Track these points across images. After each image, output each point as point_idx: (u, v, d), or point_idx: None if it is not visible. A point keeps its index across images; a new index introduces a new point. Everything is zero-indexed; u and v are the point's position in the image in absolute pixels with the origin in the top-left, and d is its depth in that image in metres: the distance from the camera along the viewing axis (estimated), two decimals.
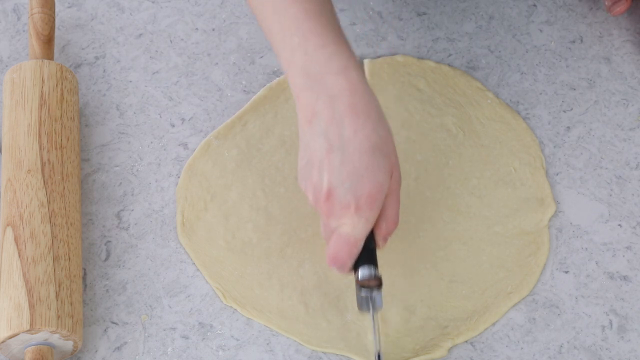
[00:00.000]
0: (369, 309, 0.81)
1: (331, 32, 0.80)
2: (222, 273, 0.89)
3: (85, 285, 0.88)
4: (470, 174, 0.94)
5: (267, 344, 0.86)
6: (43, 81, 0.91)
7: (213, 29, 1.04)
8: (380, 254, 0.90)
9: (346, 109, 0.76)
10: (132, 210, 0.93)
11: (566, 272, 0.89)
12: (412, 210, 0.92)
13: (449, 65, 1.02)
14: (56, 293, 0.80)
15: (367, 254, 0.79)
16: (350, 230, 0.77)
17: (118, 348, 0.85)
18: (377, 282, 0.79)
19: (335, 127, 0.76)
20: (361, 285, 0.79)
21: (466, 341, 0.86)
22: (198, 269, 0.89)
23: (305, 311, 0.87)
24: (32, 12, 0.96)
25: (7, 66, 1.01)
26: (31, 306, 0.79)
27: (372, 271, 0.79)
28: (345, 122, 0.76)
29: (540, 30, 1.05)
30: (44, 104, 0.90)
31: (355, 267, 0.79)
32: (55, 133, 0.89)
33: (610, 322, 0.87)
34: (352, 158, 0.75)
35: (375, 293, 0.79)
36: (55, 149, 0.88)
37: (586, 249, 0.91)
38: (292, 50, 0.79)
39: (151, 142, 0.97)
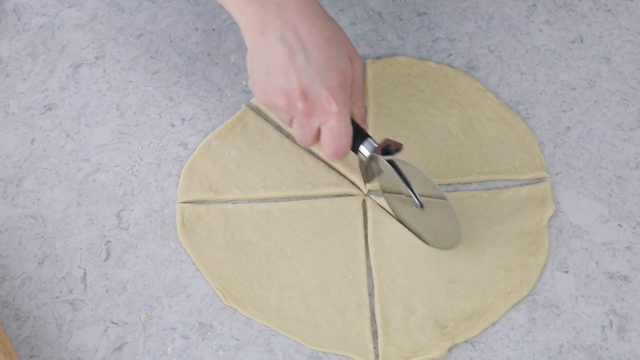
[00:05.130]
0: (391, 171, 0.85)
1: None
2: (222, 273, 0.89)
3: (85, 285, 0.88)
4: (471, 175, 0.94)
5: (267, 344, 0.86)
6: None
7: (213, 29, 1.04)
8: (380, 254, 0.90)
9: (294, 12, 0.79)
10: (132, 210, 0.93)
11: (566, 272, 0.89)
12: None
13: (449, 65, 1.02)
14: None
15: (356, 130, 0.85)
16: (338, 121, 0.81)
17: (118, 348, 0.85)
18: (398, 145, 0.85)
19: (290, 31, 0.79)
20: (384, 152, 0.85)
21: (466, 341, 0.86)
22: (198, 269, 0.89)
23: (305, 311, 0.87)
24: None
25: (7, 66, 1.01)
26: None
27: (374, 142, 0.85)
28: (298, 25, 0.79)
29: (540, 30, 1.05)
30: None
31: (355, 147, 0.85)
32: None
33: (610, 322, 0.87)
34: (314, 54, 0.79)
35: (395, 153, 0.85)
36: None
37: (586, 249, 0.91)
38: None
39: (151, 142, 0.97)
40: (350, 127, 0.83)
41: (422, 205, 0.86)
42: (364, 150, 0.86)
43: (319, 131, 0.83)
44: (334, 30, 0.82)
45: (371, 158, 0.86)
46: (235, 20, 0.82)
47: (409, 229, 0.91)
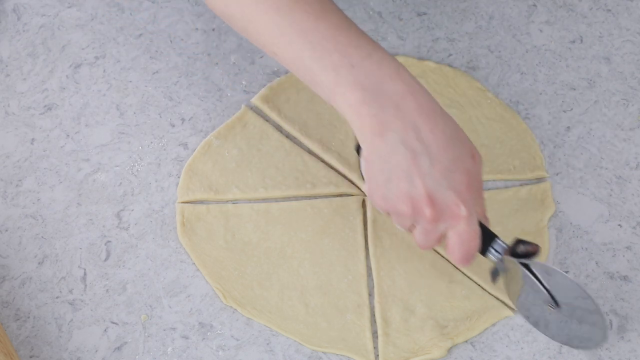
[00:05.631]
0: (522, 275, 0.79)
1: (366, 40, 0.77)
2: (222, 273, 0.89)
3: (85, 285, 0.88)
4: None
5: (267, 344, 0.86)
6: None
7: (213, 29, 1.04)
8: (380, 254, 0.90)
9: (414, 112, 0.74)
10: (132, 210, 0.93)
11: (566, 272, 0.89)
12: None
13: (449, 65, 1.02)
14: None
15: (484, 232, 0.79)
16: (467, 225, 0.76)
17: (118, 348, 0.85)
18: (534, 247, 0.79)
19: (412, 132, 0.74)
20: (514, 254, 0.79)
21: (466, 341, 0.86)
22: (198, 269, 0.89)
23: (305, 311, 0.87)
24: None
25: (7, 66, 1.01)
26: None
27: (503, 243, 0.80)
28: (419, 125, 0.74)
29: (540, 30, 1.05)
30: None
31: (483, 249, 0.80)
32: None
33: (610, 322, 0.87)
34: (438, 156, 0.74)
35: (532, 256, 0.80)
36: None
37: (586, 249, 0.91)
38: (335, 68, 0.75)
39: (151, 142, 0.97)
40: (479, 230, 0.77)
41: (557, 304, 0.80)
42: (494, 253, 0.80)
43: (442, 234, 0.78)
44: (454, 128, 0.76)
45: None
46: (346, 119, 0.76)
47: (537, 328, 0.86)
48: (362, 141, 0.76)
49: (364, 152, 0.76)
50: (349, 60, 0.75)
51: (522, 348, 0.86)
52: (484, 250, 0.80)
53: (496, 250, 0.80)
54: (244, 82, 1.01)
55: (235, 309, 0.87)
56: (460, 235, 0.76)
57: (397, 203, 0.76)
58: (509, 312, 0.87)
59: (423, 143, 0.74)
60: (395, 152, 0.74)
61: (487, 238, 0.79)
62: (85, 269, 0.89)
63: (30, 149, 0.96)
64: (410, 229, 0.79)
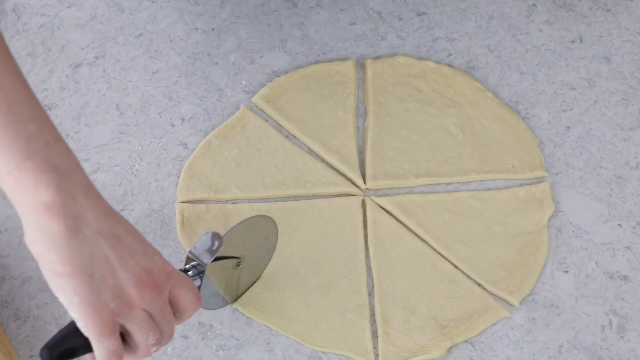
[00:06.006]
0: None
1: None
2: None
3: None
4: (470, 174, 0.94)
5: (267, 344, 0.86)
6: None
7: (213, 29, 1.04)
8: (381, 254, 0.90)
9: None
10: (132, 210, 0.93)
11: (566, 272, 0.89)
12: (412, 210, 0.92)
13: (449, 65, 1.02)
14: None
15: None
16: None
17: None
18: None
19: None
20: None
21: (466, 341, 0.86)
22: None
23: (306, 311, 0.87)
24: None
25: None
26: None
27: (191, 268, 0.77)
28: None
29: (540, 30, 1.05)
30: None
31: None
32: None
33: (610, 322, 0.87)
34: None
35: None
36: None
37: (586, 249, 0.91)
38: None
39: (151, 142, 0.97)
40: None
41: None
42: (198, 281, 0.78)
43: None
44: None
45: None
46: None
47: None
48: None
49: None
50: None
51: (522, 348, 0.86)
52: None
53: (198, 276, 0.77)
54: (244, 82, 1.01)
55: (235, 309, 0.87)
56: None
57: (123, 290, 0.66)
58: (508, 313, 0.87)
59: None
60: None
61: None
62: None
63: None
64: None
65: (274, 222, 0.85)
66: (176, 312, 0.69)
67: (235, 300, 0.87)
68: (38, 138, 0.63)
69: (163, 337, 0.68)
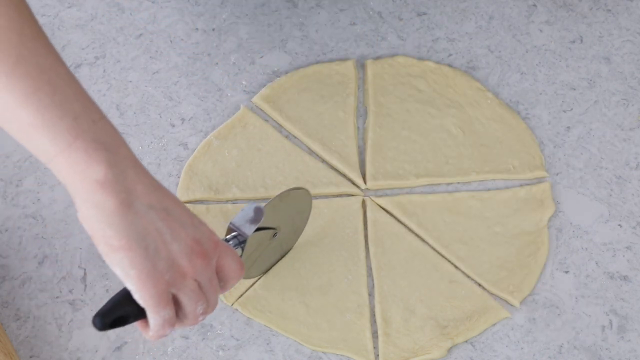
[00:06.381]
0: None
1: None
2: None
3: (85, 285, 0.88)
4: (470, 174, 0.94)
5: (267, 344, 0.86)
6: None
7: (213, 29, 1.04)
8: (381, 254, 0.90)
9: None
10: None
11: (566, 272, 0.89)
12: (412, 210, 0.92)
13: (449, 65, 1.02)
14: None
15: None
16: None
17: (118, 348, 0.85)
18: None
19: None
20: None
21: (466, 341, 0.86)
22: None
23: (306, 311, 0.87)
24: None
25: None
26: None
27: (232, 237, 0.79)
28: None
29: (540, 30, 1.05)
30: None
31: None
32: None
33: (610, 322, 0.87)
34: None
35: None
36: None
37: (586, 249, 0.91)
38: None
39: (151, 142, 0.97)
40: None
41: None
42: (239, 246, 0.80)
43: None
44: None
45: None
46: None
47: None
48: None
49: None
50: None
51: (522, 348, 0.86)
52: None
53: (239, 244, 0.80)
54: (244, 82, 1.01)
55: (235, 309, 0.87)
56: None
57: (175, 261, 0.68)
58: (508, 313, 0.87)
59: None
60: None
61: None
62: (85, 269, 0.89)
63: None
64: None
65: (309, 194, 0.86)
66: (220, 280, 0.71)
67: (267, 271, 0.89)
68: (84, 116, 0.65)
69: (209, 306, 0.70)
